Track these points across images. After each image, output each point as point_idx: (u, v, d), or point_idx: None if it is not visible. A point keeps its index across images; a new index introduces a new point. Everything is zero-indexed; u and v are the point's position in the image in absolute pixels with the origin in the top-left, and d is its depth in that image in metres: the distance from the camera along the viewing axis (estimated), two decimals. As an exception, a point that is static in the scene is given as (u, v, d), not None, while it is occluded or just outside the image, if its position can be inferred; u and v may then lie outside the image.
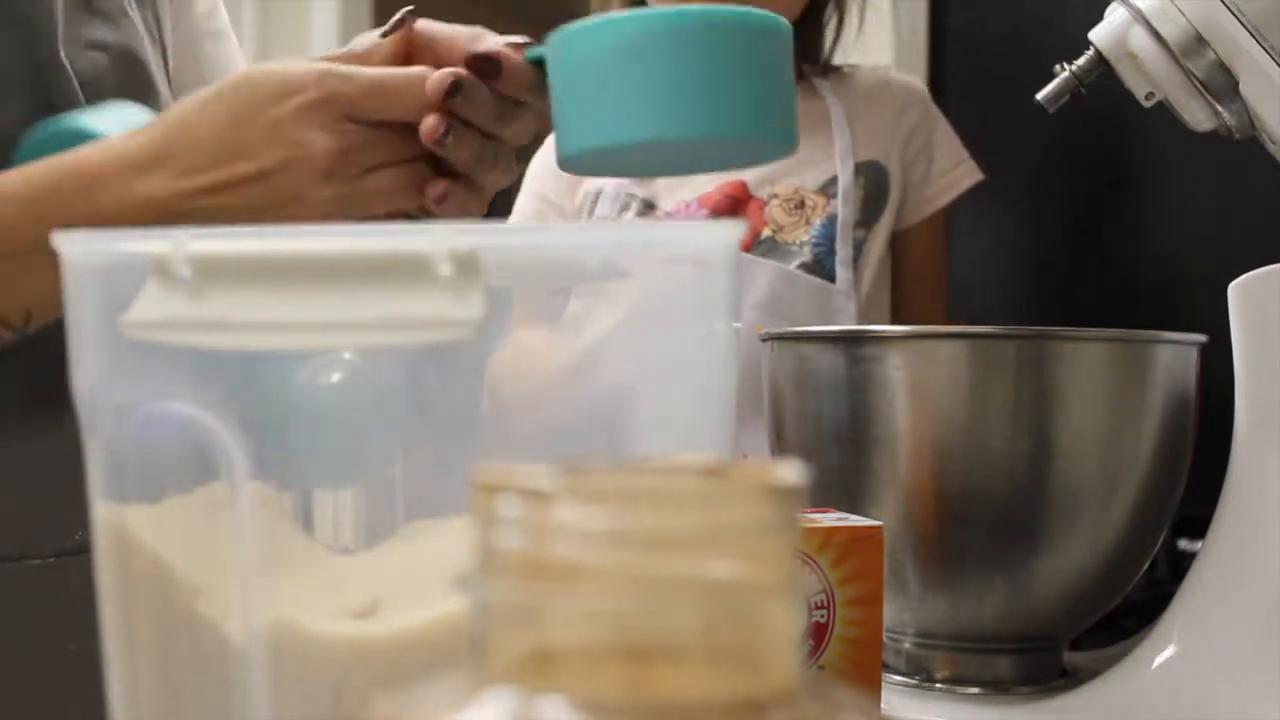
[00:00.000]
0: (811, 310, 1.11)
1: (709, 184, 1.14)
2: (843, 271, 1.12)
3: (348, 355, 0.38)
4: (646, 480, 0.25)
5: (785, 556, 0.24)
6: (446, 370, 0.38)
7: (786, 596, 0.23)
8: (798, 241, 1.13)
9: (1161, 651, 0.71)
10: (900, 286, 1.19)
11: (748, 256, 1.11)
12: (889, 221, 1.16)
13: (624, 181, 1.14)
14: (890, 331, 0.74)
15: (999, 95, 1.26)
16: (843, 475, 0.74)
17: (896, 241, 1.19)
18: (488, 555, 0.24)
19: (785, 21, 0.57)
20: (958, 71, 1.32)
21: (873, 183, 1.16)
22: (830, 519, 0.60)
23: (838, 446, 0.74)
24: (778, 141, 0.58)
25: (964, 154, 1.20)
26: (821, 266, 1.12)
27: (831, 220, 1.12)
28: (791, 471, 0.24)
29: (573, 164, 0.58)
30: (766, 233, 1.12)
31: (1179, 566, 0.98)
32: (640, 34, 0.54)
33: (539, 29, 0.59)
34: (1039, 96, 0.83)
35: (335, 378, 0.38)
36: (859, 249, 1.14)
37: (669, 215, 1.14)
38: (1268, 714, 0.66)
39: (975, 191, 1.20)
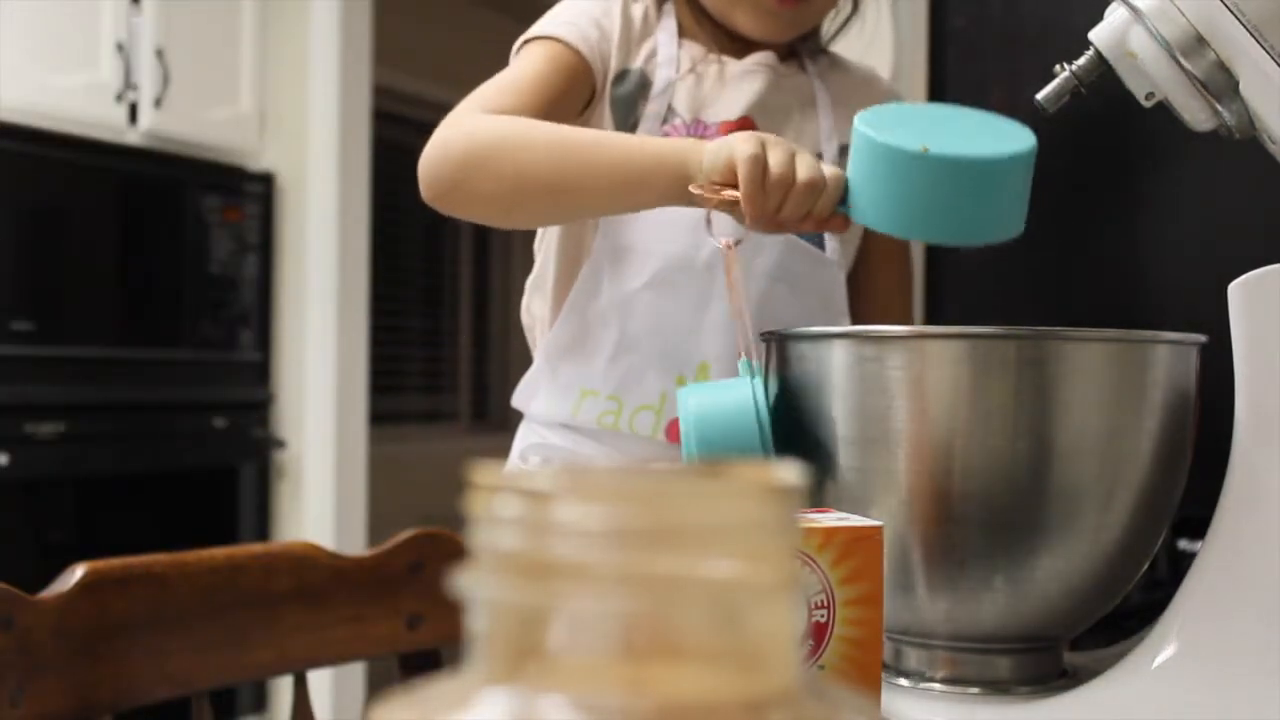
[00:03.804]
0: (813, 281, 1.11)
1: (728, 114, 1.12)
2: (830, 242, 1.12)
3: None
4: (646, 480, 0.25)
5: (785, 556, 0.24)
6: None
7: (786, 596, 0.23)
8: None
9: (1161, 651, 0.71)
10: (866, 262, 1.19)
11: None
12: None
13: (672, 79, 1.11)
14: (890, 331, 0.74)
15: (999, 95, 1.26)
16: (843, 475, 0.74)
17: None
18: (488, 555, 0.24)
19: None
20: (958, 71, 1.32)
21: None
22: (830, 519, 0.60)
23: (837, 446, 0.74)
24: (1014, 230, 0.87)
25: None
26: (811, 236, 1.12)
27: None
28: (791, 471, 0.24)
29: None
30: None
31: (1179, 566, 0.98)
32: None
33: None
34: (1039, 96, 0.83)
35: None
36: None
37: (687, 128, 1.11)
38: (1268, 714, 0.66)
39: (975, 191, 1.20)
